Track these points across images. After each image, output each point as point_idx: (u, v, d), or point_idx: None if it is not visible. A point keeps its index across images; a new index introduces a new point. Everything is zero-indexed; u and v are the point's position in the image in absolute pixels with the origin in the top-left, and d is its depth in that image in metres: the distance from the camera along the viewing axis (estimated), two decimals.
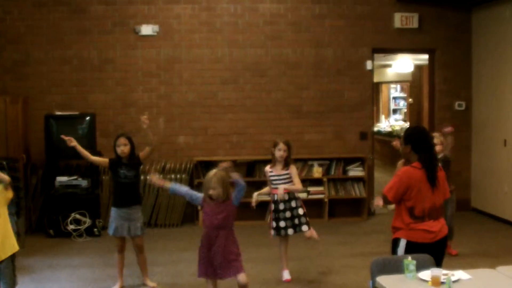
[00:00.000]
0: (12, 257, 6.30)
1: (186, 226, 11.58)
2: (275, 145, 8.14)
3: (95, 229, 10.79)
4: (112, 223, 7.78)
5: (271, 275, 8.29)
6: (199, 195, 6.50)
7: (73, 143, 7.80)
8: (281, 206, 8.03)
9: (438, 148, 8.98)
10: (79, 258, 9.46)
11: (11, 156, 10.26)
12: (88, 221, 10.72)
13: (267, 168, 8.23)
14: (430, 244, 5.64)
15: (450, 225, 9.09)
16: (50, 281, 8.24)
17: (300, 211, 8.10)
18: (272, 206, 8.12)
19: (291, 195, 8.09)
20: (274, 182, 8.09)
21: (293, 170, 8.13)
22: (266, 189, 8.30)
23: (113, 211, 7.81)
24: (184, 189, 6.68)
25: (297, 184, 8.06)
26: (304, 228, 8.10)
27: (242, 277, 6.40)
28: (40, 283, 8.04)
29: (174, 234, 10.97)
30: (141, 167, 8.14)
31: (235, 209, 6.50)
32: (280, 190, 7.92)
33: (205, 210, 6.44)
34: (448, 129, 9.28)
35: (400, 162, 6.36)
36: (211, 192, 6.31)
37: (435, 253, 5.47)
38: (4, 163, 9.51)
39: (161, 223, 11.48)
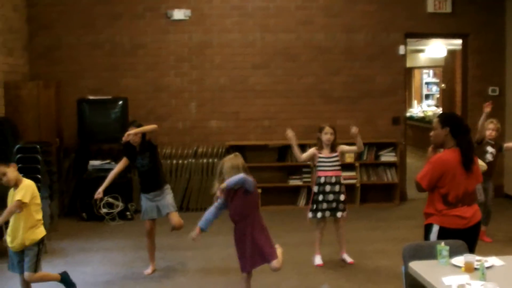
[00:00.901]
0: (39, 242, 6.39)
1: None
2: (321, 129, 8.23)
3: (128, 213, 10.88)
4: (142, 207, 7.97)
5: (303, 260, 8.28)
6: (219, 200, 6.47)
7: (100, 195, 7.96)
8: (328, 188, 8.09)
9: (493, 133, 8.98)
10: (112, 242, 9.55)
11: (44, 140, 10.34)
12: (120, 205, 10.80)
13: (315, 150, 8.24)
14: (463, 230, 5.60)
15: (490, 209, 9.08)
16: (82, 264, 8.32)
17: (342, 197, 8.17)
18: (316, 188, 8.14)
19: (338, 179, 8.16)
20: (322, 165, 8.15)
21: (343, 148, 8.32)
22: (309, 152, 8.30)
23: (142, 197, 8.01)
24: (210, 215, 6.54)
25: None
26: (339, 214, 8.16)
27: (275, 263, 6.39)
28: (73, 266, 8.11)
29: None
30: (157, 148, 8.08)
31: (253, 196, 6.46)
32: (354, 129, 8.03)
33: (229, 203, 6.42)
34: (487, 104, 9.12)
35: (430, 149, 6.31)
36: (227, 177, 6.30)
37: (468, 239, 5.43)
38: (38, 147, 9.59)
39: (193, 207, 11.51)
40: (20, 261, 6.40)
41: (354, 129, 8.02)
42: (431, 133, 5.97)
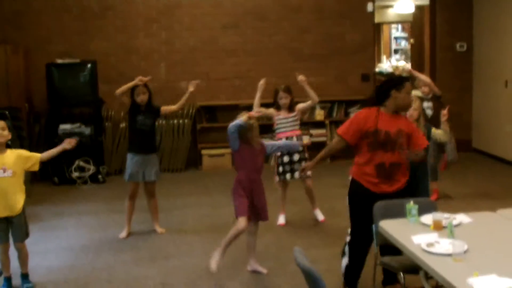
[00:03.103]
0: (23, 209, 6.32)
1: (189, 171, 11.67)
2: (276, 93, 8.24)
3: (100, 176, 10.90)
4: (128, 169, 7.87)
5: (276, 219, 8.36)
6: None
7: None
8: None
9: (426, 90, 8.98)
10: (85, 205, 9.58)
11: (14, 105, 10.29)
12: (92, 168, 10.81)
13: (273, 111, 8.25)
14: None
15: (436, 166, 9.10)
16: (57, 228, 8.35)
17: (306, 155, 8.18)
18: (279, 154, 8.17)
19: (298, 139, 8.18)
20: (281, 126, 8.17)
21: (299, 106, 8.26)
22: (269, 111, 8.30)
23: (129, 157, 7.88)
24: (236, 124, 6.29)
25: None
26: (296, 175, 8.15)
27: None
28: (48, 231, 8.14)
29: (177, 178, 11.06)
30: (158, 118, 8.17)
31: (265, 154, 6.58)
32: (300, 77, 8.06)
33: (242, 153, 6.39)
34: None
35: None
36: (256, 132, 6.34)
37: None
38: (7, 112, 9.55)
39: (165, 167, 11.53)
40: (6, 230, 6.18)
41: (300, 77, 8.00)
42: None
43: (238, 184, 6.42)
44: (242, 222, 6.32)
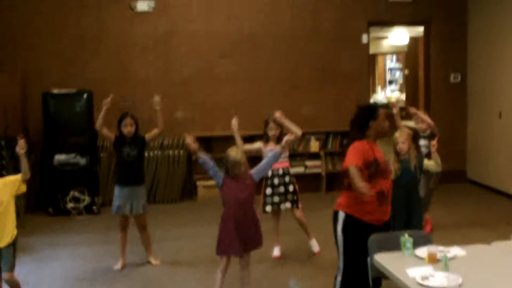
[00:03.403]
0: (14, 240, 6.30)
1: (185, 201, 11.66)
2: (266, 124, 8.23)
3: (94, 207, 10.87)
4: (115, 201, 7.85)
5: (268, 250, 8.32)
6: (221, 173, 6.47)
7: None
8: (276, 181, 8.10)
9: (423, 126, 8.90)
10: (79, 236, 9.55)
11: (10, 134, 10.28)
12: (87, 199, 10.79)
13: (260, 144, 8.25)
14: None
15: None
16: (51, 259, 8.33)
17: (291, 187, 8.16)
18: (264, 182, 8.16)
19: (286, 170, 8.17)
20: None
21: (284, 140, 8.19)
22: (255, 146, 8.29)
23: (117, 190, 7.87)
24: (211, 162, 6.42)
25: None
26: (288, 205, 8.16)
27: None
28: (42, 262, 8.12)
29: (173, 209, 11.05)
30: (145, 147, 8.19)
31: (255, 183, 6.53)
32: (277, 114, 7.69)
33: (228, 188, 6.40)
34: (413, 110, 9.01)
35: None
36: (243, 168, 6.33)
37: None
38: (3, 142, 9.56)
39: (160, 199, 11.54)
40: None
41: (276, 114, 7.63)
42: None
43: (226, 220, 6.43)
44: (223, 261, 6.41)
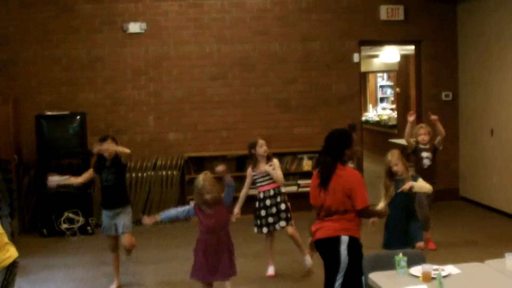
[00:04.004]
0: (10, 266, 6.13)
1: (178, 222, 11.60)
2: (253, 145, 8.23)
3: (88, 228, 10.88)
4: (103, 223, 7.97)
5: (264, 270, 8.37)
6: (189, 206, 6.58)
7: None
8: (268, 202, 8.16)
9: (426, 138, 9.10)
10: (74, 257, 9.56)
11: (3, 157, 10.31)
12: (81, 220, 10.79)
13: (249, 170, 8.33)
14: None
15: (428, 215, 9.15)
16: (46, 281, 8.33)
17: (283, 206, 8.21)
18: (257, 204, 8.25)
19: (276, 191, 8.22)
20: (259, 181, 8.24)
21: (276, 162, 8.27)
22: (242, 198, 8.34)
23: (103, 212, 8.01)
24: (173, 212, 6.74)
25: (279, 174, 8.18)
26: (282, 223, 8.20)
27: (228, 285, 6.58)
28: (36, 284, 8.13)
29: (167, 230, 11.04)
30: (125, 167, 8.17)
31: (228, 210, 6.60)
32: (266, 167, 8.05)
33: (199, 217, 6.51)
34: (434, 117, 9.27)
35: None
36: (208, 196, 6.37)
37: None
38: None
39: None
40: None
41: (265, 167, 8.10)
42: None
43: (196, 245, 6.61)
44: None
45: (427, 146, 9.13)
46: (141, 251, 8.79)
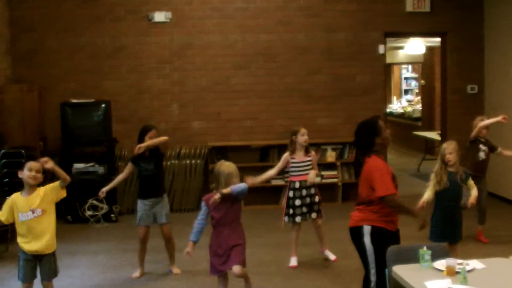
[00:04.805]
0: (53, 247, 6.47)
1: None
2: (295, 132, 8.24)
3: (112, 215, 10.94)
4: (138, 212, 7.97)
5: (286, 260, 8.39)
6: (203, 208, 6.54)
7: (103, 194, 8.24)
8: (304, 192, 8.21)
9: (484, 131, 9.10)
10: (98, 244, 9.63)
11: (29, 144, 10.38)
12: (105, 207, 10.84)
13: (288, 155, 8.29)
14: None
15: (484, 208, 9.29)
16: (70, 267, 8.38)
17: (317, 198, 8.27)
18: (291, 193, 8.23)
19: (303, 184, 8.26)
20: (296, 169, 8.22)
21: (314, 156, 8.34)
22: (267, 175, 8.35)
23: (139, 202, 8.00)
24: (200, 226, 6.62)
25: (316, 170, 8.34)
26: (314, 215, 8.27)
27: (236, 268, 6.50)
28: (61, 270, 8.08)
29: (189, 218, 10.99)
30: (163, 157, 8.25)
31: (239, 203, 6.58)
32: (312, 174, 8.11)
33: (211, 210, 6.52)
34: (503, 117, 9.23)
35: None
36: (236, 180, 6.40)
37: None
38: (23, 151, 9.65)
39: (177, 208, 11.58)
40: (34, 268, 6.41)
41: (312, 174, 8.22)
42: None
43: (211, 240, 6.69)
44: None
45: (484, 140, 9.16)
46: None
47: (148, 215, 7.91)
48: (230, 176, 6.39)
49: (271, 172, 8.32)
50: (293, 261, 8.36)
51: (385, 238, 5.67)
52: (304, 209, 8.22)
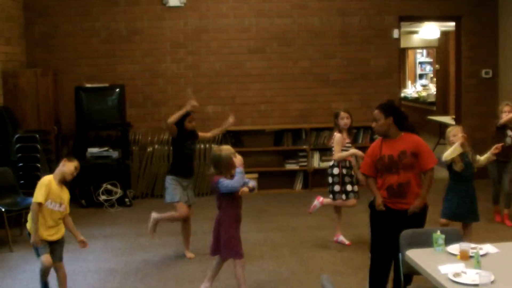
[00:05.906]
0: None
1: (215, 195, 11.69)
2: (336, 115, 8.34)
3: (126, 199, 10.98)
4: (175, 190, 7.93)
5: (301, 244, 8.44)
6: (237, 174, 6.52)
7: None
8: (350, 172, 8.40)
9: (510, 115, 9.05)
10: (112, 228, 9.68)
11: (43, 128, 10.42)
12: (119, 192, 10.89)
13: (340, 136, 8.30)
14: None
15: (510, 192, 9.30)
16: (84, 251, 8.33)
17: (354, 179, 8.46)
18: (344, 171, 8.33)
19: (350, 164, 8.42)
20: (346, 149, 8.33)
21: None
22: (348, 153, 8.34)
23: (173, 180, 7.95)
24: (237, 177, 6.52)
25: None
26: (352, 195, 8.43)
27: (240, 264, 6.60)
28: (75, 254, 8.20)
29: (204, 202, 11.06)
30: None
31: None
32: (360, 153, 8.12)
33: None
34: None
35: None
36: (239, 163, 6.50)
37: None
38: (37, 136, 9.69)
39: None
40: (52, 251, 6.61)
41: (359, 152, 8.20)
42: (374, 124, 6.27)
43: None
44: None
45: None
46: (179, 223, 8.85)
47: (184, 193, 7.98)
48: (232, 157, 6.46)
49: (343, 154, 8.26)
50: (343, 239, 8.53)
51: (374, 208, 6.13)
52: (356, 188, 8.40)
